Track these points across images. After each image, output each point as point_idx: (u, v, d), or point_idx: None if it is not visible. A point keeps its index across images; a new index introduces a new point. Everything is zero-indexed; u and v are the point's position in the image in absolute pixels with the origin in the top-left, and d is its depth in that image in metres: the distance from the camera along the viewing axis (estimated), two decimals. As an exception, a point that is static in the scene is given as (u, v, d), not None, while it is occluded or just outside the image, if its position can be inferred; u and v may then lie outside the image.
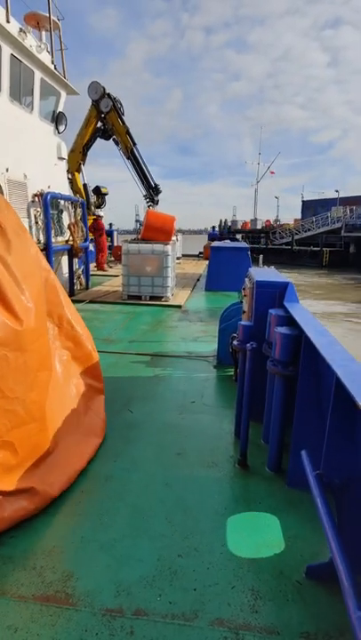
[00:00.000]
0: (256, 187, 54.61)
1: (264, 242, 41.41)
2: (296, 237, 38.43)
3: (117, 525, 2.11)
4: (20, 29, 6.74)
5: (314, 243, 36.96)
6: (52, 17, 8.36)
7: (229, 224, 44.94)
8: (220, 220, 45.25)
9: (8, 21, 6.34)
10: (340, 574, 1.29)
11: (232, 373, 4.31)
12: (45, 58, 7.77)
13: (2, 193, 6.51)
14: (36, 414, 2.24)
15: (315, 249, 36.40)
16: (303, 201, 49.48)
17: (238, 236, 44.13)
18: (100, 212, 15.53)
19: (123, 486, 2.44)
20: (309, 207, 46.48)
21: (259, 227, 45.66)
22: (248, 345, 2.62)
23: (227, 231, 41.82)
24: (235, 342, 2.86)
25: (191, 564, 1.88)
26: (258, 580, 1.79)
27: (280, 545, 2.01)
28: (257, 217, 49.83)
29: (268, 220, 47.70)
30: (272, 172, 53.95)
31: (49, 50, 8.16)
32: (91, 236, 12.30)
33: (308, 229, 38.63)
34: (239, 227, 45.95)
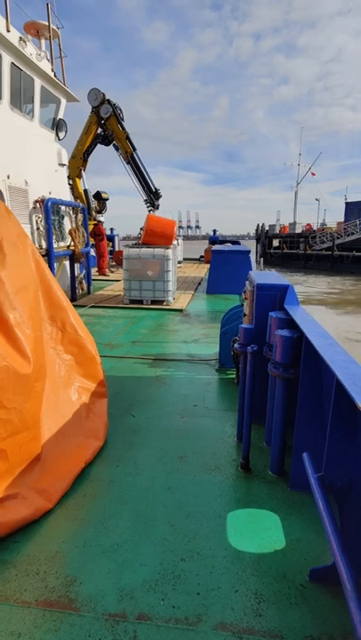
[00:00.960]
0: (296, 189, 52.30)
1: (303, 247, 37.72)
2: (338, 242, 34.73)
3: (120, 530, 2.11)
4: (20, 38, 6.81)
5: (357, 247, 33.19)
6: (51, 25, 8.46)
7: (266, 228, 42.73)
8: (258, 225, 43.23)
9: (8, 30, 6.42)
10: (343, 577, 1.29)
11: (234, 376, 4.31)
12: (45, 66, 7.85)
13: (2, 199, 6.56)
14: (29, 423, 2.27)
15: (357, 254, 32.72)
16: (347, 203, 44.28)
17: (275, 242, 41.62)
18: (101, 218, 15.60)
19: (125, 490, 2.44)
20: (354, 210, 41.65)
21: (298, 231, 41.72)
22: (249, 348, 2.63)
23: (260, 237, 39.84)
24: (236, 345, 2.86)
25: (194, 567, 1.87)
26: (261, 584, 1.79)
27: (283, 548, 2.00)
28: (297, 220, 46.33)
29: (308, 224, 44.00)
30: (313, 174, 51.86)
31: (49, 58, 8.24)
32: (92, 241, 12.32)
33: (352, 233, 34.57)
34: (277, 231, 43.34)
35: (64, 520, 2.19)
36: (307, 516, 2.22)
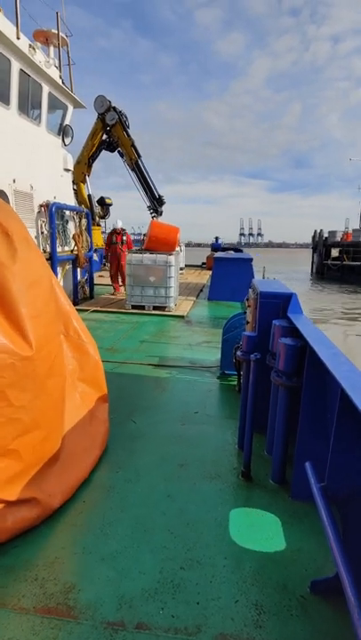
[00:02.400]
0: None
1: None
2: None
3: (119, 537, 2.09)
4: (30, 45, 6.91)
5: None
6: (60, 34, 8.59)
7: (325, 235, 36.69)
8: (315, 232, 37.85)
9: (18, 38, 6.51)
10: (346, 589, 1.28)
11: (235, 384, 4.30)
12: (53, 73, 7.95)
13: (8, 203, 6.60)
14: (41, 422, 2.22)
15: None
16: None
17: (335, 252, 34.45)
18: (102, 223, 15.63)
19: (125, 497, 2.42)
20: None
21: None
22: (252, 356, 2.63)
23: (317, 245, 34.07)
24: (238, 353, 2.86)
25: (194, 576, 1.85)
26: (262, 595, 1.77)
27: (284, 558, 1.98)
28: None
29: (379, 231, 35.94)
30: None
31: (57, 65, 8.35)
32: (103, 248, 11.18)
33: None
34: (338, 238, 36.01)
35: (63, 526, 2.17)
36: (308, 526, 2.20)
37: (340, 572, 1.32)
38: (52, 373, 2.39)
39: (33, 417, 2.16)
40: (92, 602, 1.71)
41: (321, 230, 37.21)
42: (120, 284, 10.39)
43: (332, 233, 36.64)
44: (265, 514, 2.31)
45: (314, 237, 38.95)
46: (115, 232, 10.51)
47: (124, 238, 10.38)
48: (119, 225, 10.67)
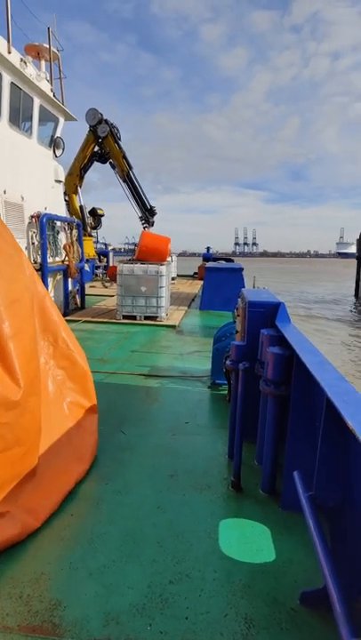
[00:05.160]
0: None
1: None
2: None
3: (107, 550, 2.05)
4: (21, 59, 7.00)
5: None
6: (51, 48, 8.71)
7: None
8: None
9: (9, 52, 6.59)
10: (334, 600, 1.27)
11: (226, 393, 4.29)
12: (45, 86, 8.05)
13: None
14: (23, 439, 2.22)
15: None
16: None
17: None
18: (93, 233, 15.68)
19: (114, 509, 2.38)
20: None
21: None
22: (241, 365, 2.63)
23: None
24: (227, 362, 2.87)
25: (183, 590, 1.82)
26: (251, 608, 1.74)
27: (274, 570, 1.96)
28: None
29: None
30: None
31: (48, 79, 8.46)
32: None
33: None
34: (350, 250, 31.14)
35: (50, 540, 2.13)
36: (298, 536, 2.19)
37: (328, 583, 1.32)
38: (34, 391, 2.38)
39: (15, 434, 2.15)
40: (79, 619, 1.67)
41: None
42: None
43: (342, 244, 29.50)
44: (255, 525, 2.29)
45: (359, 243, 28.95)
46: None
47: None
48: None
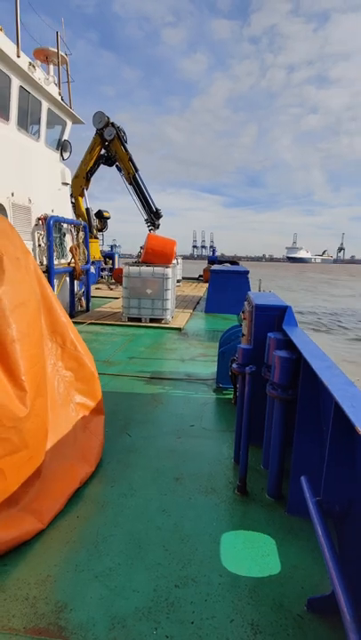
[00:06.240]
0: None
1: None
2: None
3: (113, 553, 2.05)
4: (30, 63, 7.07)
5: None
6: (60, 52, 8.79)
7: None
8: None
9: (18, 56, 6.66)
10: (342, 607, 1.26)
11: (231, 396, 4.28)
12: (52, 90, 8.11)
13: (6, 216, 6.66)
14: (29, 442, 2.23)
15: None
16: None
17: None
18: (99, 235, 15.74)
19: (119, 512, 2.38)
20: None
21: None
22: (247, 368, 2.62)
23: None
24: (234, 365, 2.86)
25: (189, 594, 1.82)
26: (257, 613, 1.73)
27: (280, 576, 1.95)
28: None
29: None
30: None
31: (56, 82, 8.53)
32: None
33: None
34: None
35: (56, 542, 2.13)
36: (304, 542, 2.17)
37: (336, 589, 1.30)
38: (39, 394, 2.40)
39: (21, 437, 2.16)
40: (84, 622, 1.67)
41: None
42: None
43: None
44: (261, 529, 2.27)
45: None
46: None
47: None
48: None
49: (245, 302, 3.51)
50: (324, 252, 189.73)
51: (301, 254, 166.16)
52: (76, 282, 8.95)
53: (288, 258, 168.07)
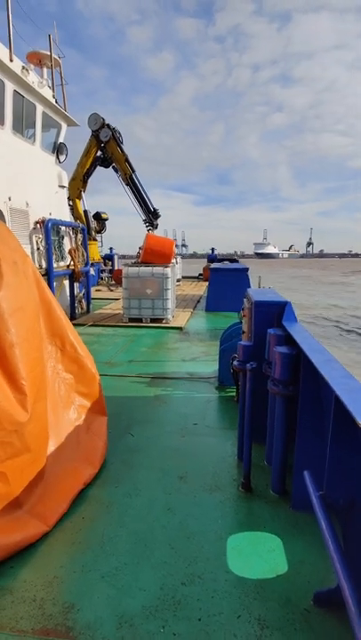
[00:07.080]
0: None
1: None
2: None
3: (119, 553, 2.06)
4: (23, 67, 7.07)
5: None
6: (53, 55, 8.79)
7: None
8: None
9: (11, 60, 6.66)
10: (348, 600, 1.26)
11: (234, 394, 4.28)
12: (47, 93, 8.11)
13: (3, 220, 6.67)
14: (31, 445, 2.24)
15: None
16: None
17: None
18: (98, 237, 15.76)
19: (124, 512, 2.39)
20: None
21: None
22: (248, 365, 2.63)
23: None
24: (235, 362, 2.86)
25: (195, 592, 1.82)
26: (264, 609, 1.74)
27: (286, 571, 1.95)
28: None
29: None
30: None
31: (50, 85, 8.53)
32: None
33: None
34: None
35: (62, 544, 2.14)
36: (310, 536, 2.18)
37: (341, 582, 1.31)
38: (40, 397, 2.40)
39: (23, 440, 2.17)
40: (92, 622, 1.67)
41: None
42: None
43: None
44: (266, 525, 2.28)
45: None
46: None
47: None
48: None
49: (245, 299, 3.51)
50: (290, 247, 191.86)
51: (269, 250, 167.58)
52: (76, 284, 8.96)
53: (256, 254, 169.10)
